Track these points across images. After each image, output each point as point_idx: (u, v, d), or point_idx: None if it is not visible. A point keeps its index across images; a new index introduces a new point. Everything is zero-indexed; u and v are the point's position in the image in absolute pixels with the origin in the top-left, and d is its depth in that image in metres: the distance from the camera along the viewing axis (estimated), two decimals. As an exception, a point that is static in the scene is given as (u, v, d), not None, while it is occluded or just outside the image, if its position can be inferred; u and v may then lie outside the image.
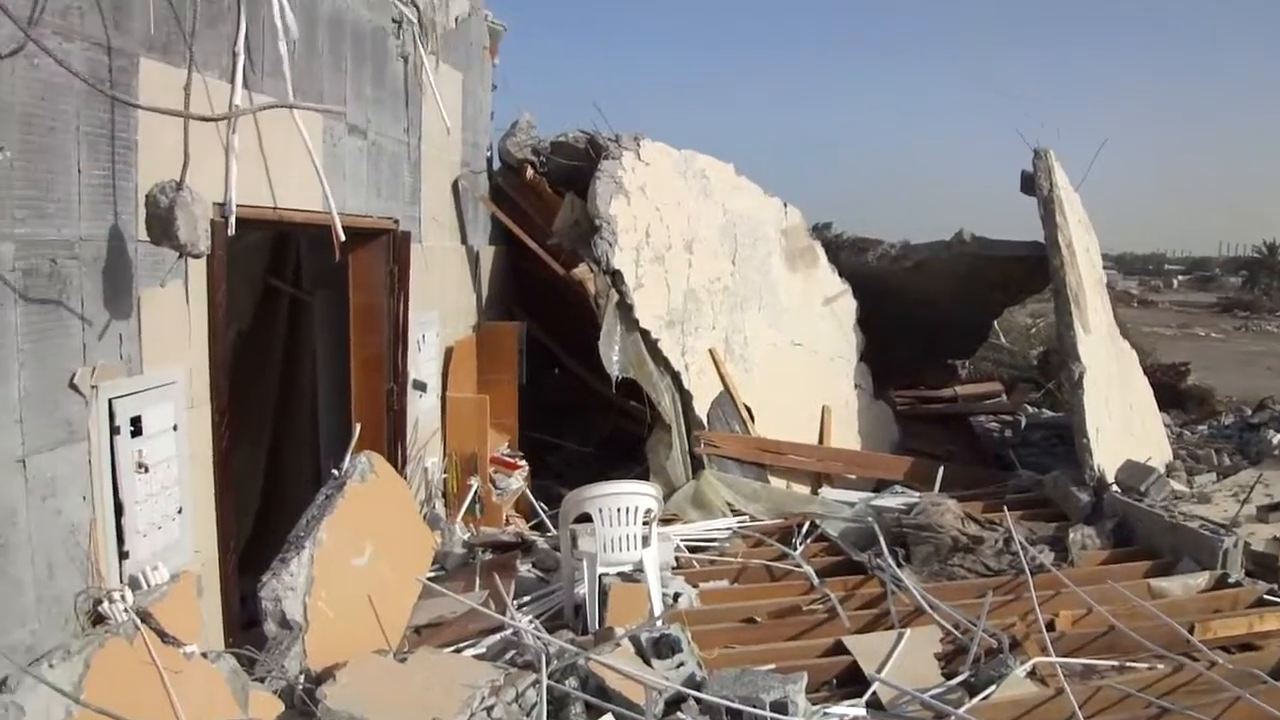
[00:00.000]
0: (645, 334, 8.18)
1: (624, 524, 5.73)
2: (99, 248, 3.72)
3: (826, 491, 8.76)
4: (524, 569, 6.53)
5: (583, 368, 9.47)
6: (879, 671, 5.17)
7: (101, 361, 3.74)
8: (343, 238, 5.16)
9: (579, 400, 10.36)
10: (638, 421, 8.77)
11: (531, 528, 7.81)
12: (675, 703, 4.58)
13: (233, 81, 4.50)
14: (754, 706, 4.46)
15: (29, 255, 3.36)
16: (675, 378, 8.34)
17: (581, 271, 8.23)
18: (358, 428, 5.92)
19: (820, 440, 9.32)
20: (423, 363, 7.18)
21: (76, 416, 3.62)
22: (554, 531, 7.23)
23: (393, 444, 6.67)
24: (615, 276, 8.09)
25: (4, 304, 3.26)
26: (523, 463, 8.38)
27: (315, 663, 4.64)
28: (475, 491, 7.44)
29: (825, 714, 4.75)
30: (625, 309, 8.10)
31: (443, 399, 7.66)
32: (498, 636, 5.39)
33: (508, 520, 7.78)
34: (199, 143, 4.01)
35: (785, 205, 10.35)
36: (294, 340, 7.68)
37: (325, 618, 4.82)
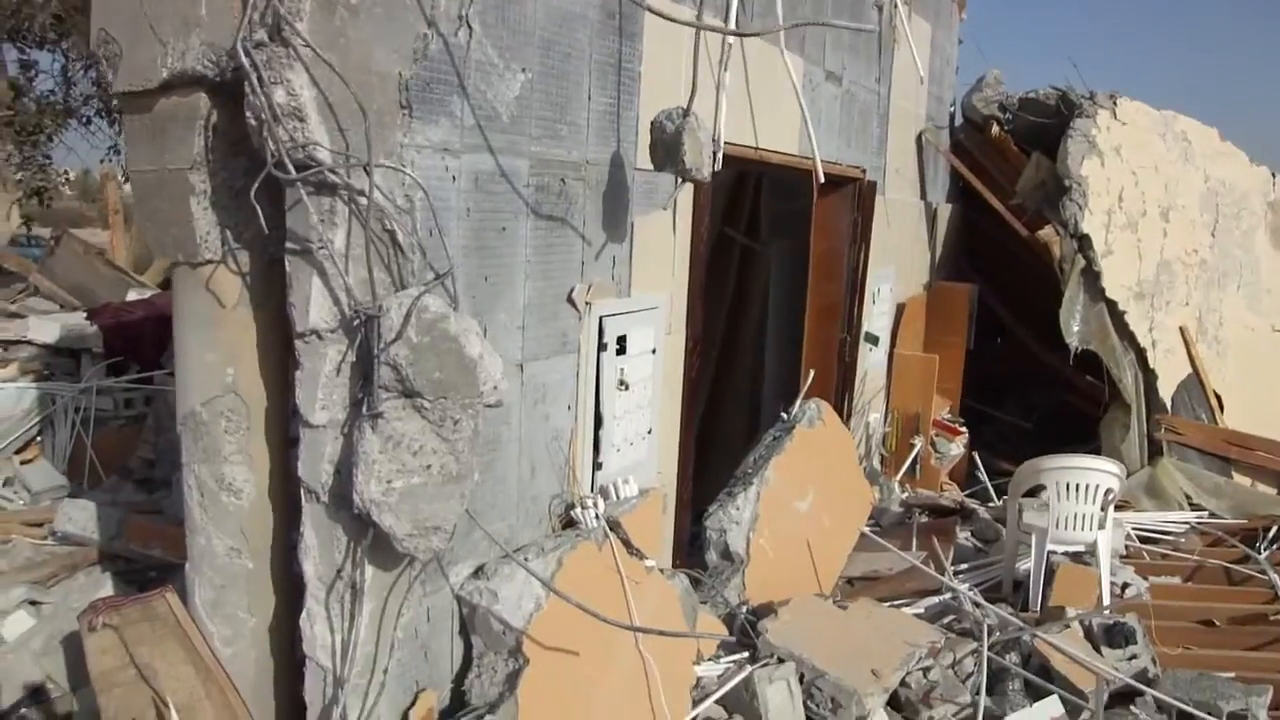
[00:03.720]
0: (1111, 305, 7.61)
1: (1080, 501, 5.38)
2: (601, 171, 3.91)
3: (1297, 495, 7.84)
4: (961, 536, 6.31)
5: (1032, 337, 9.03)
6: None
7: (597, 280, 3.94)
8: (822, 179, 5.16)
9: (1022, 371, 9.89)
10: (1085, 398, 8.23)
11: (966, 496, 7.56)
12: (1120, 696, 4.25)
13: (725, 18, 4.58)
14: (1210, 714, 4.05)
15: (542, 173, 3.57)
16: (1140, 354, 7.73)
17: (1046, 234, 7.79)
18: (810, 373, 5.91)
19: (1293, 438, 8.35)
20: (876, 316, 7.11)
21: (570, 330, 3.83)
22: (994, 502, 6.95)
23: (840, 394, 6.64)
24: (1083, 241, 7.58)
25: (518, 215, 3.47)
26: (964, 429, 8.11)
27: (751, 597, 4.71)
28: (916, 452, 7.28)
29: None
30: (1091, 277, 7.58)
31: (890, 355, 7.55)
32: (935, 600, 5.22)
33: (942, 486, 7.58)
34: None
35: (1275, 175, 9.33)
36: (741, 288, 7.86)
37: (765, 555, 4.88)
